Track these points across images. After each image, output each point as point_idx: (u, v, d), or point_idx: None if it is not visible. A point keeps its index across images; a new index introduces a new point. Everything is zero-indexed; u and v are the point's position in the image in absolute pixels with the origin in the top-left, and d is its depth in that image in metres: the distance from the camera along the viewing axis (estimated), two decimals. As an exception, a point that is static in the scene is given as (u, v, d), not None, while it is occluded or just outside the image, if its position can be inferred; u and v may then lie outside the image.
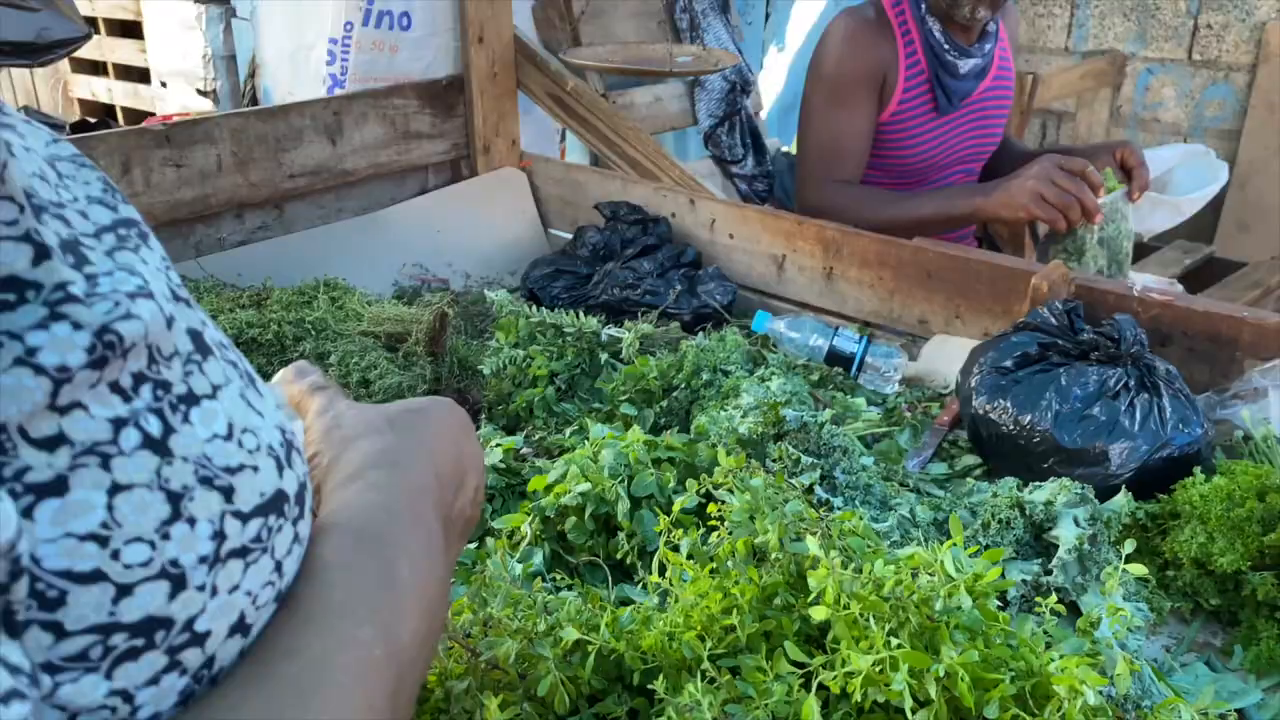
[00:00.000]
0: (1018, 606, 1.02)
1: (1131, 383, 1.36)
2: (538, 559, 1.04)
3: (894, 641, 0.59)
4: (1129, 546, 0.86)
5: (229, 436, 0.41)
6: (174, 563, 0.37)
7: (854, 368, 1.75)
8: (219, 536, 0.39)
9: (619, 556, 1.02)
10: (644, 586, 0.90)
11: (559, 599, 0.73)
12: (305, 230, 2.10)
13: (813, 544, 0.65)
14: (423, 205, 2.26)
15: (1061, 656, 0.65)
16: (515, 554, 1.04)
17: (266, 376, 0.57)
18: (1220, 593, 1.19)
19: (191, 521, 0.38)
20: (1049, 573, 0.99)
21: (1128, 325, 1.41)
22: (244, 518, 0.40)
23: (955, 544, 0.70)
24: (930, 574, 0.62)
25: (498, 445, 1.22)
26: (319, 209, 2.16)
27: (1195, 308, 1.52)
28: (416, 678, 0.47)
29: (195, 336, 0.42)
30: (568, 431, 1.45)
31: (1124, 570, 1.04)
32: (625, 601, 0.90)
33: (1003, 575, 0.79)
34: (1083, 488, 1.05)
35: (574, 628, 0.67)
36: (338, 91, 2.24)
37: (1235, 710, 1.05)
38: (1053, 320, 1.47)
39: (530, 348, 1.60)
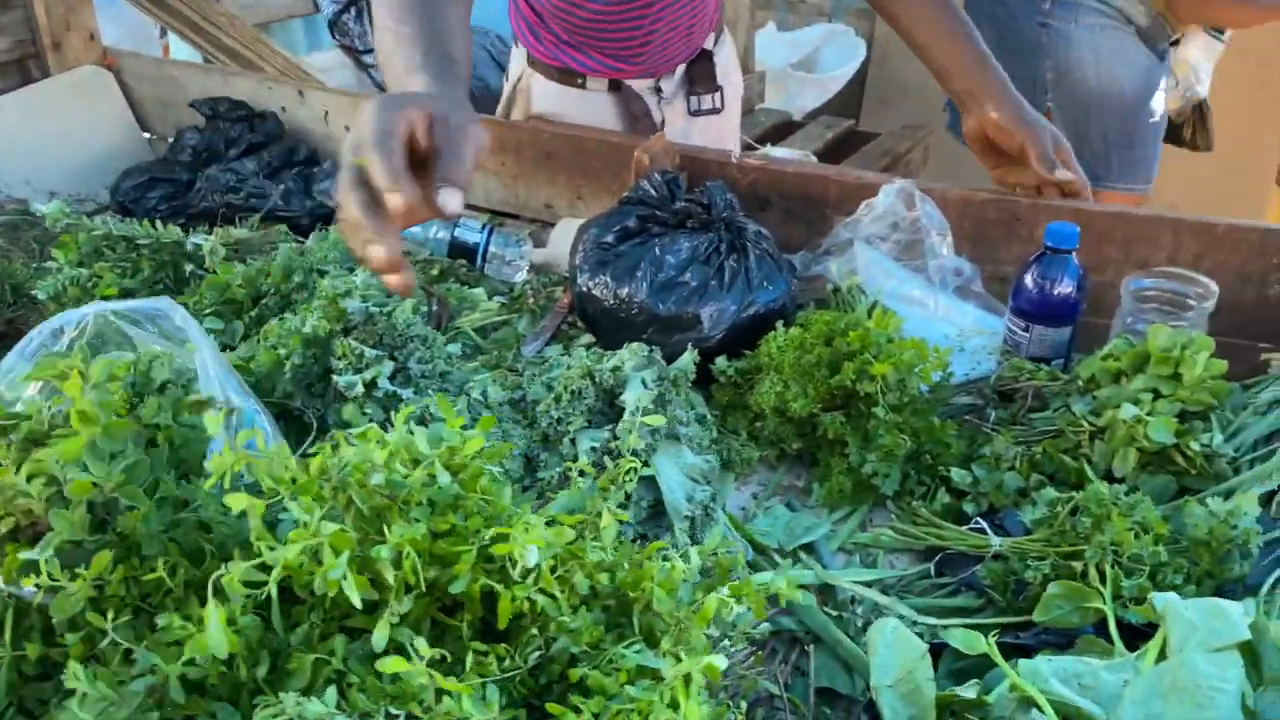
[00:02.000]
0: (595, 476, 1.01)
1: (723, 246, 1.38)
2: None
3: (329, 527, 0.54)
4: (646, 399, 0.85)
5: None
6: None
7: (479, 258, 1.69)
8: None
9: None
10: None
11: None
12: None
13: (212, 423, 0.58)
14: (-16, 114, 1.94)
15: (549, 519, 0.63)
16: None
17: None
18: (800, 436, 1.25)
19: None
20: (618, 437, 0.98)
21: (718, 191, 1.43)
22: None
23: (445, 417, 0.65)
24: (382, 449, 0.57)
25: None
26: None
27: (787, 170, 1.58)
28: None
29: None
30: (144, 354, 1.29)
31: (693, 425, 1.06)
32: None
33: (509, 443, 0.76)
34: (651, 350, 1.05)
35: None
36: None
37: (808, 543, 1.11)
38: (653, 192, 1.47)
39: (98, 265, 1.41)
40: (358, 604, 0.53)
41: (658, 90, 1.81)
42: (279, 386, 1.04)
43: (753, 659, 0.86)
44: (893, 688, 0.76)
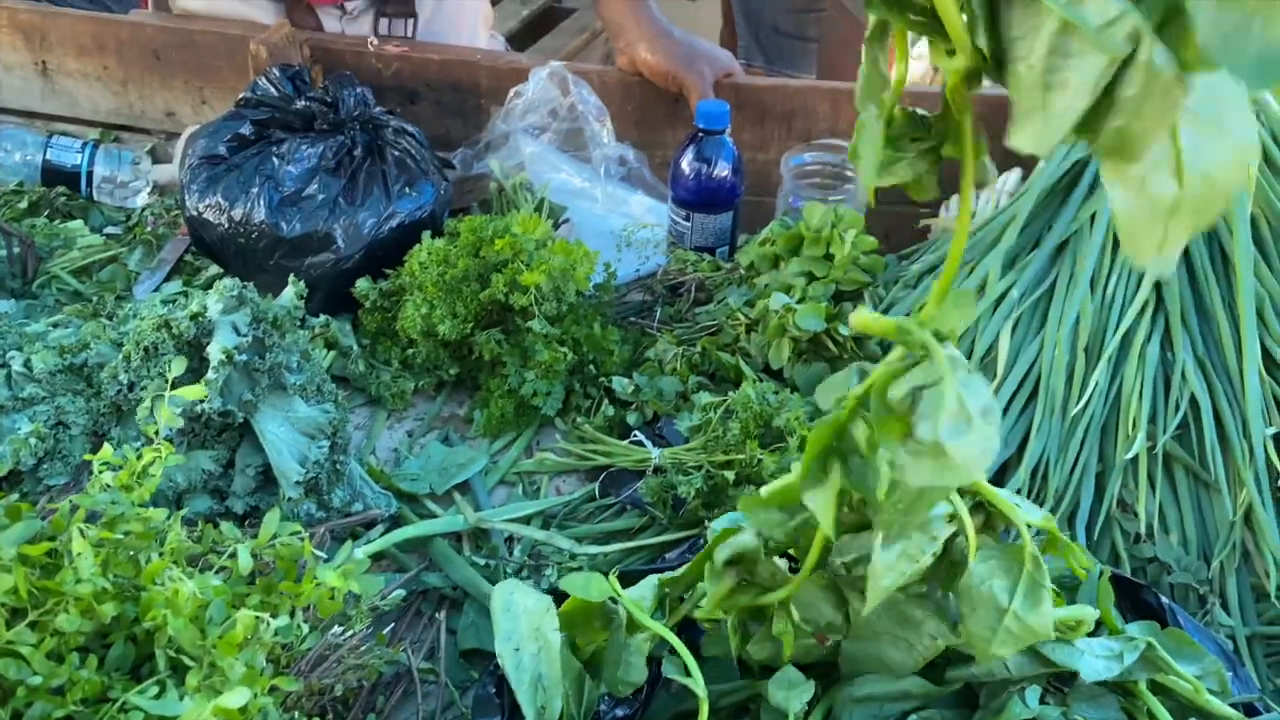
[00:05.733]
0: (185, 444, 0.85)
1: (357, 151, 1.21)
2: None
3: None
4: (238, 349, 0.70)
5: None
6: None
7: (82, 183, 1.43)
8: None
9: None
10: None
11: None
12: None
13: None
14: None
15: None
16: None
17: None
18: (457, 361, 1.13)
19: None
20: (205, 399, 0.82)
21: (346, 85, 1.25)
22: None
23: None
24: None
25: None
26: None
27: (431, 56, 1.41)
28: None
29: None
30: None
31: (308, 371, 0.91)
32: None
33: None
34: (244, 286, 0.88)
35: None
36: None
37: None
38: (273, 91, 1.27)
39: None
40: None
41: (341, 8, 1.49)
42: None
43: (374, 638, 0.75)
44: (519, 651, 0.68)
